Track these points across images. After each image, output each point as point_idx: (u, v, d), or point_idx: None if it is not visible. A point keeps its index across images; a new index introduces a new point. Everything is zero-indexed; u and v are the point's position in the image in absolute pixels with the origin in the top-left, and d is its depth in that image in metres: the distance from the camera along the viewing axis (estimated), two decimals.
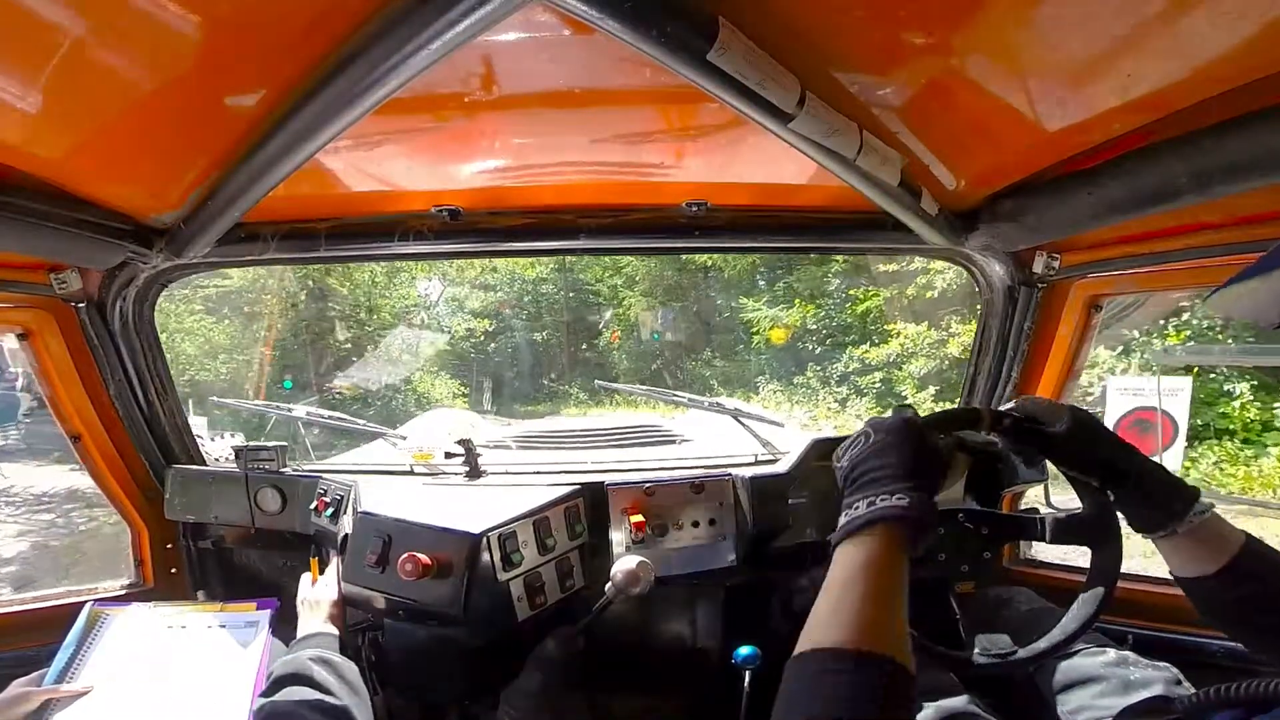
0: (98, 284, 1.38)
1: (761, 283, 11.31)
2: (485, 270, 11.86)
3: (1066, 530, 0.96)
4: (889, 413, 0.86)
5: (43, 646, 1.25)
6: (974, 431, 1.00)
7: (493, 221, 1.43)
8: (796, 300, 10.44)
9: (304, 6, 0.72)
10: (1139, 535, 0.92)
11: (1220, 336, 6.16)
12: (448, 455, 1.60)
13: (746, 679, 1.24)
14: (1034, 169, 1.10)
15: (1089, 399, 5.96)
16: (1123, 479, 0.89)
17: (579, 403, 11.36)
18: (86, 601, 1.32)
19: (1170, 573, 0.90)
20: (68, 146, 0.93)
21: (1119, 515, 0.95)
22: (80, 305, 1.39)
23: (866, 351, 9.22)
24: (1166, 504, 0.87)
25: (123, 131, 0.92)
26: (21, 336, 1.38)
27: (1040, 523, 0.97)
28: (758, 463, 1.62)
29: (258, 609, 1.34)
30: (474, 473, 1.58)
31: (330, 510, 1.45)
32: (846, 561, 0.70)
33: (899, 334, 8.84)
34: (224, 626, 1.29)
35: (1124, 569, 1.02)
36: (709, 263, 11.48)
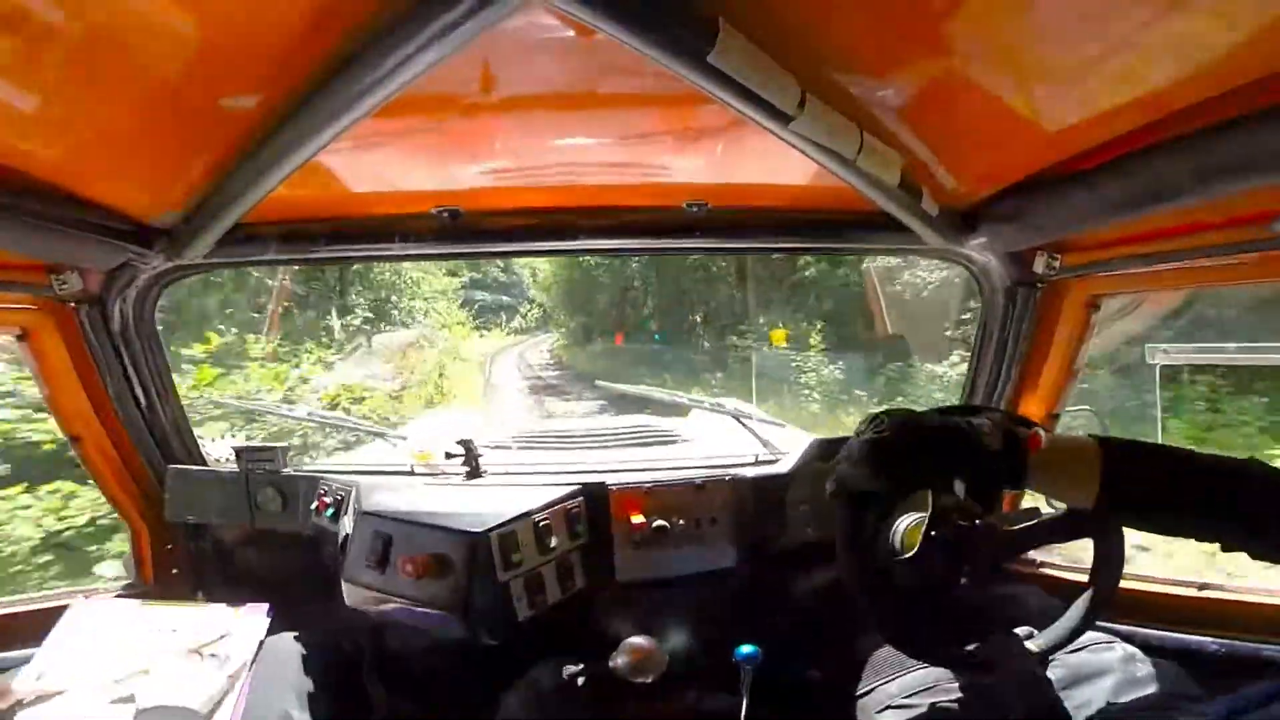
0: (98, 285, 1.38)
1: None
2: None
3: (1066, 529, 0.97)
4: None
5: (32, 649, 1.24)
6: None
7: (493, 222, 1.43)
8: None
9: (305, 8, 0.72)
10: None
11: None
12: (448, 455, 1.60)
13: (746, 677, 1.24)
14: (1034, 169, 1.10)
15: None
16: (965, 457, 0.87)
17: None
18: (76, 598, 1.31)
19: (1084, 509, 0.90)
20: (68, 147, 0.93)
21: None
22: (80, 306, 1.39)
23: None
24: (1001, 466, 0.86)
25: (123, 132, 0.92)
26: (20, 337, 1.38)
27: (1042, 527, 0.97)
28: (758, 463, 1.62)
29: (248, 613, 1.32)
30: (474, 473, 1.58)
31: (331, 510, 1.45)
32: None
33: None
34: (212, 631, 1.27)
35: (1130, 570, 1.03)
36: None
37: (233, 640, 1.26)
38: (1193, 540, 0.87)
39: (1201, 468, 0.86)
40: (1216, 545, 0.87)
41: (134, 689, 1.16)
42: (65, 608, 1.29)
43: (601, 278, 13.77)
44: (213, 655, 1.22)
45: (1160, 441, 0.88)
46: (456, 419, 2.64)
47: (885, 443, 0.86)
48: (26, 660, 1.20)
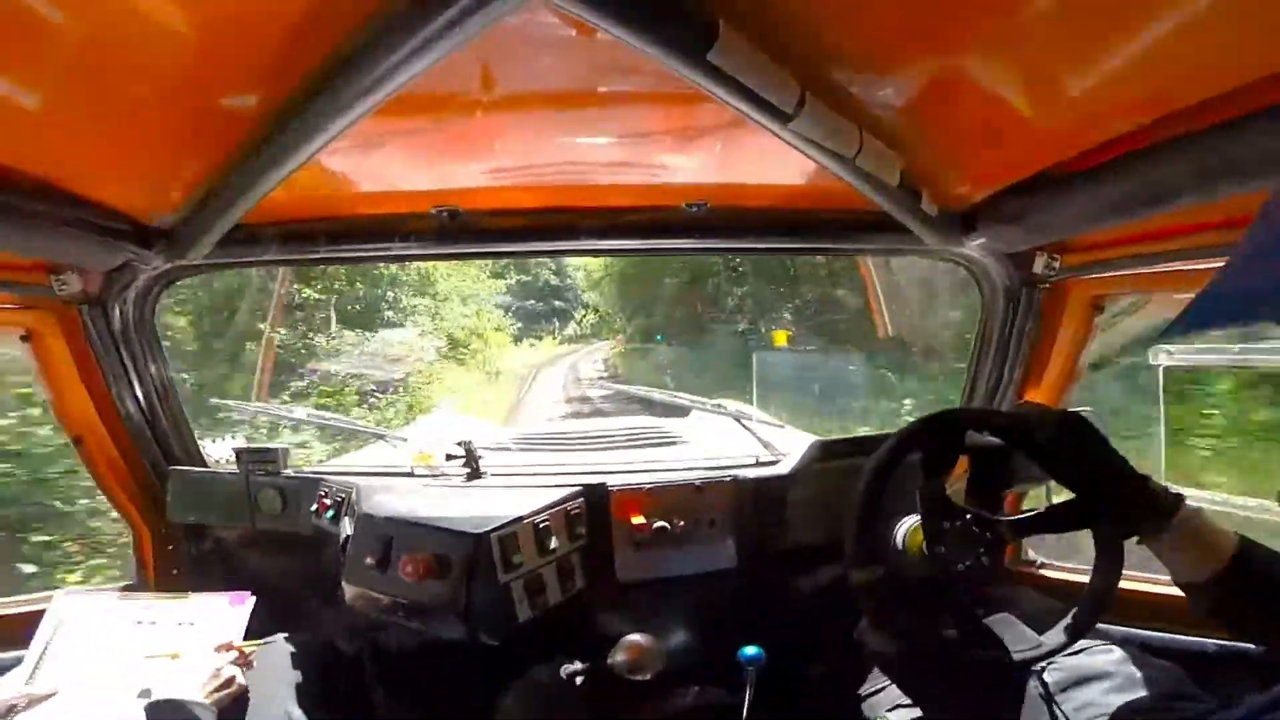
0: (99, 285, 1.38)
1: None
2: None
3: (1067, 517, 0.98)
4: None
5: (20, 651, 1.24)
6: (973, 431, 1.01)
7: (492, 222, 1.43)
8: None
9: (305, 8, 0.72)
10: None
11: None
12: (448, 457, 1.60)
13: (750, 679, 1.24)
14: (1034, 169, 1.10)
15: None
16: (1107, 488, 0.91)
17: None
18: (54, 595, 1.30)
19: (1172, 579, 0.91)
20: (67, 147, 0.93)
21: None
22: (81, 306, 1.39)
23: None
24: (1151, 511, 0.88)
25: (122, 132, 0.92)
26: (23, 338, 1.38)
27: (1042, 515, 0.99)
28: (759, 464, 1.62)
29: (230, 604, 1.31)
30: (474, 474, 1.58)
31: (331, 512, 1.45)
32: None
33: None
34: (193, 623, 1.27)
35: (1129, 571, 1.02)
36: None
37: (219, 635, 1.25)
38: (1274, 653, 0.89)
39: None
40: None
41: (122, 686, 1.16)
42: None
43: (669, 266, 10.89)
44: (199, 652, 1.22)
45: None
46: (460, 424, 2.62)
47: (1077, 419, 0.94)
48: (16, 662, 1.20)
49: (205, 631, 1.26)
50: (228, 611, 1.30)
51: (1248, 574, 0.85)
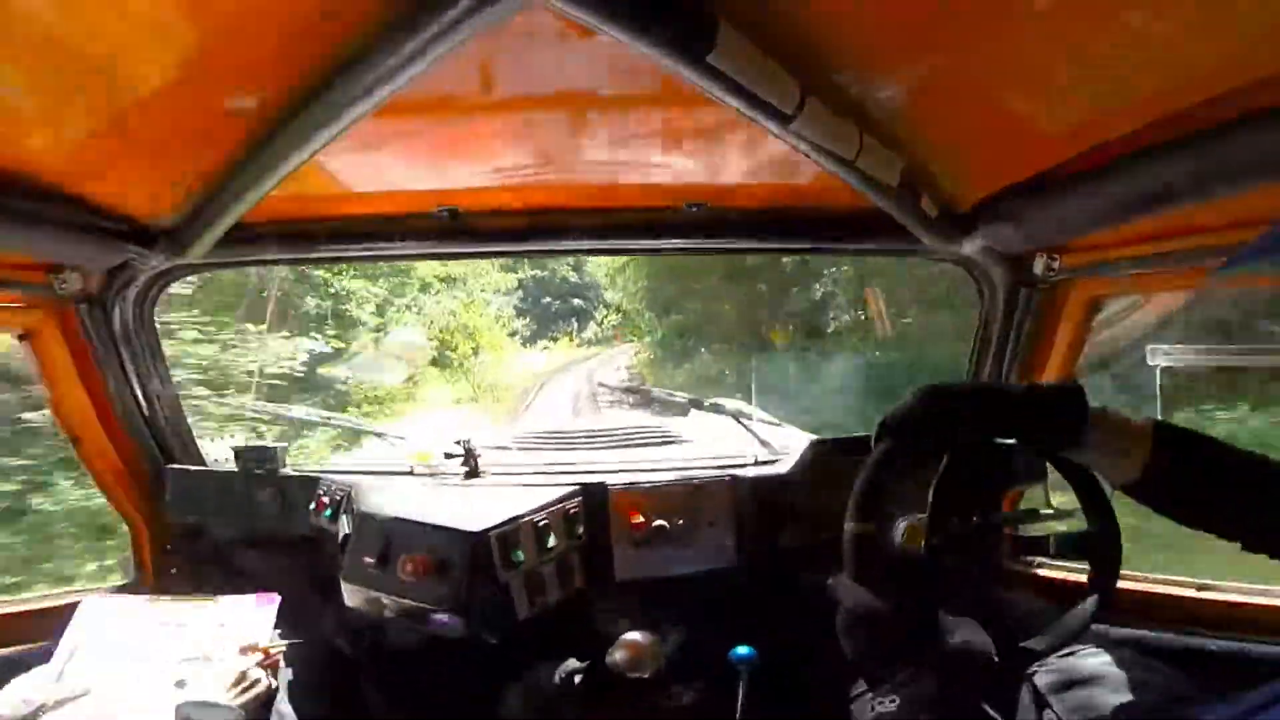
0: (98, 285, 1.38)
1: None
2: None
3: (1072, 547, 0.98)
4: None
5: (40, 646, 1.24)
6: None
7: (492, 222, 1.43)
8: None
9: (305, 8, 0.72)
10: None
11: None
12: (447, 455, 1.60)
13: (743, 678, 1.24)
14: (1033, 170, 1.10)
15: None
16: (1002, 419, 0.87)
17: None
18: (84, 597, 1.32)
19: (1110, 486, 0.89)
20: (68, 147, 0.93)
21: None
22: (81, 306, 1.39)
23: None
24: (1058, 420, 0.84)
25: (123, 132, 0.92)
26: (22, 337, 1.38)
27: (1047, 540, 0.98)
28: (758, 464, 1.62)
29: (256, 605, 1.32)
30: (473, 473, 1.58)
31: (329, 511, 1.46)
32: None
33: None
34: (222, 625, 1.28)
35: (1128, 570, 1.02)
36: None
37: (246, 634, 1.26)
38: (1222, 537, 0.85)
39: (1250, 463, 0.83)
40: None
41: (152, 686, 1.17)
42: (69, 606, 1.30)
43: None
44: (228, 651, 1.22)
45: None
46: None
47: (942, 387, 0.88)
48: (31, 656, 1.20)
49: (234, 633, 1.27)
50: (255, 613, 1.31)
51: (1172, 453, 0.83)
